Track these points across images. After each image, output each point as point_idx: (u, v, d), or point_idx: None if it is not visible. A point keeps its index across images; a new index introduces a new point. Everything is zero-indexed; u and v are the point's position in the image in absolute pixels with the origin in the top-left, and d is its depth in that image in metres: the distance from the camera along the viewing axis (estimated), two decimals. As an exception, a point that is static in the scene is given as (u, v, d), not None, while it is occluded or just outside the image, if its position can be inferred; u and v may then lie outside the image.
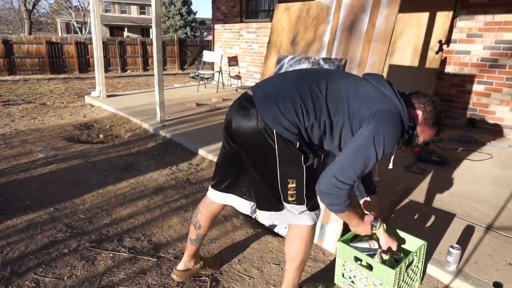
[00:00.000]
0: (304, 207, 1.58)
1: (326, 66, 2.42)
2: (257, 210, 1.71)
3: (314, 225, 1.66)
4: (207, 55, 8.44)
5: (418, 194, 2.95)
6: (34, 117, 5.76)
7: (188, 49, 16.20)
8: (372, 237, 2.01)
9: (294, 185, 1.52)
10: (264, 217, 1.67)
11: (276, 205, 1.60)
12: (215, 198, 1.84)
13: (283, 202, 1.58)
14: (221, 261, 2.17)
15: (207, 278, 2.03)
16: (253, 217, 2.66)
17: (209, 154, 3.91)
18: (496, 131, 4.76)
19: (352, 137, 1.44)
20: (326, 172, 1.40)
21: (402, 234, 2.03)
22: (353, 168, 1.37)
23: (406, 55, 5.15)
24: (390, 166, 1.58)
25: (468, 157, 3.84)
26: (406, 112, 1.44)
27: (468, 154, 3.94)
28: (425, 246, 1.94)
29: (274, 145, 1.45)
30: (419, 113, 1.51)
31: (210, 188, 1.86)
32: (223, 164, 1.78)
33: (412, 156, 3.83)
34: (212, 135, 4.49)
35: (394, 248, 1.81)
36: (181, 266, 1.99)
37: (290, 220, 1.63)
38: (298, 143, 1.46)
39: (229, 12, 8.80)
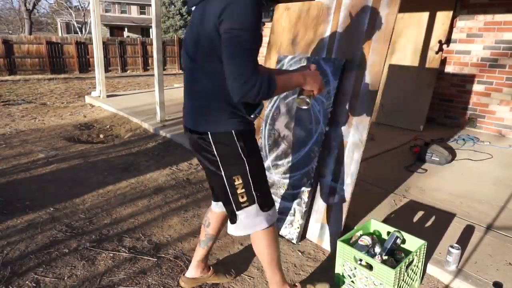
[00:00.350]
0: (256, 206, 1.54)
1: (326, 66, 2.42)
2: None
3: (272, 227, 1.63)
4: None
5: (418, 194, 2.95)
6: (34, 117, 5.77)
7: (188, 49, 16.17)
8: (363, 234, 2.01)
9: (240, 181, 1.50)
10: (228, 228, 1.65)
11: (231, 217, 1.61)
12: (214, 207, 1.86)
13: (236, 213, 1.56)
14: (235, 273, 2.06)
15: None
16: None
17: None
18: (496, 131, 4.76)
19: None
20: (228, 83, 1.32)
21: (402, 233, 2.03)
22: (242, 54, 1.29)
23: (406, 55, 5.15)
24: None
25: (468, 157, 3.84)
26: None
27: (468, 154, 3.94)
28: (425, 246, 1.94)
29: (211, 147, 1.48)
30: None
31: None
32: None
33: (412, 156, 3.83)
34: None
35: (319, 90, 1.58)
36: (189, 272, 1.96)
37: (247, 229, 1.60)
38: (233, 131, 1.45)
39: (229, 12, 8.79)
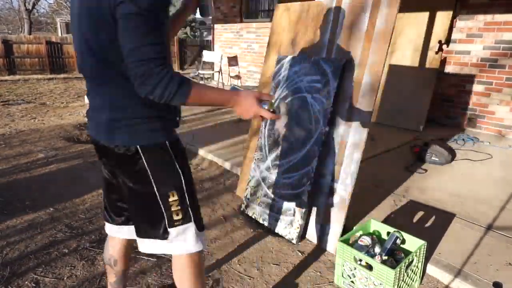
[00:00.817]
0: (192, 224, 1.34)
1: (326, 66, 2.42)
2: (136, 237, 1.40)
3: (201, 253, 1.42)
4: (207, 55, 8.44)
5: (418, 194, 2.95)
6: (34, 117, 5.76)
7: (188, 49, 16.20)
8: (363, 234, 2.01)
9: (175, 197, 1.31)
10: (145, 245, 1.38)
11: (160, 233, 1.33)
12: (114, 233, 1.53)
13: (168, 230, 1.33)
14: None
15: (209, 278, 2.03)
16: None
17: (209, 154, 3.91)
18: (496, 131, 4.76)
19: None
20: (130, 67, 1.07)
21: (402, 234, 2.03)
22: (143, 40, 1.05)
23: (406, 55, 5.15)
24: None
25: (468, 157, 3.84)
26: None
27: (468, 154, 3.94)
28: (425, 246, 1.95)
29: (140, 160, 1.24)
30: None
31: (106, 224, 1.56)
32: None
33: (412, 156, 3.83)
34: (212, 135, 4.50)
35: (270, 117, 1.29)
36: None
37: (180, 249, 1.36)
38: (166, 140, 1.26)
39: (229, 12, 8.80)
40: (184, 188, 1.32)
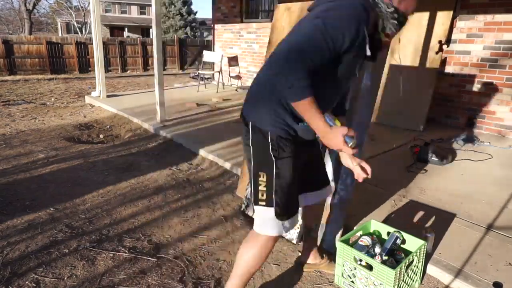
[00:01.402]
0: (272, 210, 1.51)
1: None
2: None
3: (275, 237, 1.57)
4: (207, 55, 8.44)
5: (418, 194, 2.95)
6: (34, 117, 5.77)
7: (188, 49, 16.20)
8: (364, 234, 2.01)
9: (264, 179, 1.49)
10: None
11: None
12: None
13: (254, 207, 1.56)
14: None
15: (210, 280, 2.03)
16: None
17: (209, 154, 3.91)
18: (496, 131, 4.76)
19: None
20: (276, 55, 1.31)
21: (402, 234, 2.03)
22: (307, 43, 1.25)
23: (406, 55, 5.15)
24: (368, 52, 1.38)
25: (468, 157, 3.84)
26: None
27: (468, 154, 3.94)
28: (425, 246, 1.95)
29: (249, 135, 1.49)
30: None
31: None
32: None
33: (412, 156, 3.83)
34: (212, 136, 4.50)
35: (367, 169, 1.53)
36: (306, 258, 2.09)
37: (257, 226, 1.57)
38: (269, 132, 1.44)
39: (229, 12, 8.80)
40: (274, 176, 1.47)
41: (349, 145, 1.35)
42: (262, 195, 1.50)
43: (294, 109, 1.37)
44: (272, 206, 1.50)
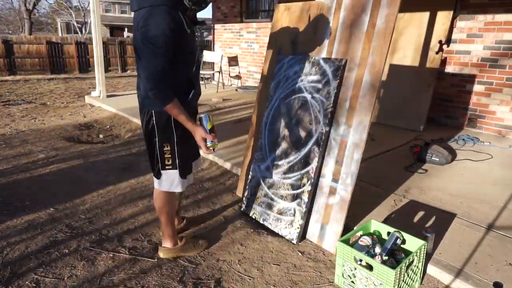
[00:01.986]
0: (176, 172, 1.98)
1: (326, 66, 2.42)
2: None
3: (176, 192, 2.12)
4: (207, 55, 8.44)
5: (418, 194, 2.95)
6: (34, 117, 5.77)
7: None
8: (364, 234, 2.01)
9: (168, 148, 1.93)
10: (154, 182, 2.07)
11: (155, 174, 2.02)
12: None
13: (161, 172, 1.98)
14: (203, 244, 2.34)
15: (210, 280, 2.03)
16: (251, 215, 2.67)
17: (209, 154, 3.91)
18: (496, 131, 4.76)
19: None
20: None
21: (402, 234, 2.03)
22: (150, 60, 1.66)
23: (406, 54, 5.15)
24: (188, 31, 1.76)
25: (468, 157, 3.84)
26: None
27: (468, 154, 3.94)
28: (425, 246, 1.94)
29: (151, 118, 1.89)
30: None
31: None
32: None
33: (412, 156, 3.83)
34: (212, 135, 4.48)
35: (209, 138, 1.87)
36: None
37: (166, 187, 2.02)
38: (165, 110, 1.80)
39: (229, 12, 8.80)
40: (175, 144, 1.93)
41: (208, 145, 1.84)
42: (168, 161, 1.95)
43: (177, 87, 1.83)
44: (177, 168, 1.97)
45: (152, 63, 1.65)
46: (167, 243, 2.21)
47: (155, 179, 2.04)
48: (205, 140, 1.82)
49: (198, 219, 2.65)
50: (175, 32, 1.66)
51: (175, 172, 1.98)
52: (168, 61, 1.68)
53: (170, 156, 1.94)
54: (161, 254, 2.20)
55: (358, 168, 2.22)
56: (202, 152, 1.98)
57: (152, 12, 1.63)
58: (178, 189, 2.04)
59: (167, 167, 1.96)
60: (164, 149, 1.93)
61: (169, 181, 2.00)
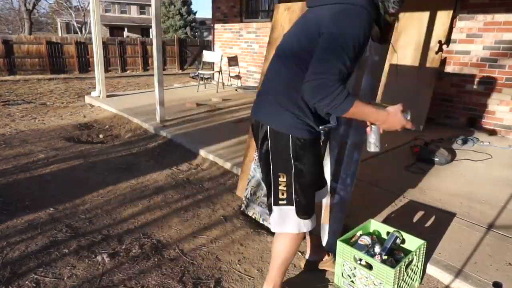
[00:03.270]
0: (293, 208, 1.59)
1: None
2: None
3: (300, 234, 1.66)
4: (207, 55, 8.44)
5: (418, 194, 2.95)
6: (34, 117, 5.77)
7: (188, 49, 16.20)
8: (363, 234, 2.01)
9: (284, 179, 1.56)
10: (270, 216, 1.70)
11: (269, 207, 1.68)
12: None
13: (273, 207, 1.63)
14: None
15: (210, 280, 2.03)
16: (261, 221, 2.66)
17: (209, 154, 3.91)
18: (496, 131, 4.76)
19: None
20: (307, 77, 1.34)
21: (402, 233, 2.03)
22: (332, 57, 1.31)
23: (406, 54, 5.15)
24: (367, 53, 1.52)
25: (468, 157, 3.84)
26: None
27: (468, 154, 3.94)
28: (425, 246, 1.95)
29: (267, 139, 1.54)
30: None
31: None
32: None
33: (412, 156, 3.83)
34: (212, 136, 4.49)
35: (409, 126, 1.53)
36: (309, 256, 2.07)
37: (277, 226, 1.65)
38: (290, 135, 1.49)
39: (229, 12, 8.80)
40: (293, 176, 1.54)
41: (408, 118, 1.43)
42: (283, 194, 1.58)
43: (315, 113, 1.47)
44: (293, 205, 1.59)
45: (334, 61, 1.29)
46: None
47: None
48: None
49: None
50: (366, 42, 1.38)
51: (290, 209, 1.60)
52: (346, 68, 1.32)
53: (285, 189, 1.58)
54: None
55: (358, 168, 2.22)
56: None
57: (347, 10, 1.34)
58: (292, 229, 1.62)
59: (280, 202, 1.60)
60: (279, 179, 1.58)
61: (282, 218, 1.63)
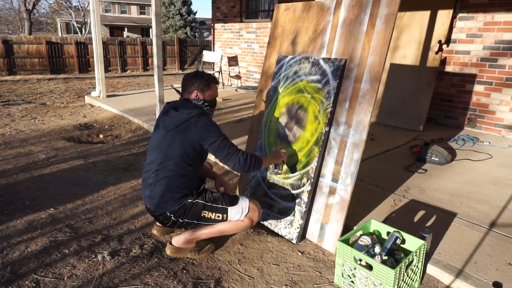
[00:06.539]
0: (230, 208, 2.17)
1: (326, 66, 2.42)
2: None
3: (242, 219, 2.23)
4: (207, 55, 8.44)
5: (418, 194, 2.95)
6: (34, 117, 5.77)
7: (188, 49, 16.20)
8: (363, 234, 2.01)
9: (208, 212, 2.15)
10: None
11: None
12: None
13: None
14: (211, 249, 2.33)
15: (210, 280, 2.03)
16: None
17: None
18: (496, 131, 4.76)
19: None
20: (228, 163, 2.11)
21: (402, 234, 2.03)
22: (223, 145, 2.07)
23: (406, 54, 5.15)
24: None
25: (468, 157, 3.84)
26: (197, 101, 2.18)
27: (468, 154, 3.94)
28: (425, 246, 1.95)
29: (182, 216, 2.16)
30: (196, 93, 2.17)
31: None
32: None
33: (412, 156, 3.83)
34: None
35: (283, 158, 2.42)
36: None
37: (238, 216, 2.23)
38: (184, 204, 2.12)
39: (229, 12, 8.80)
40: (206, 204, 2.15)
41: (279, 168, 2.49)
42: (219, 216, 2.15)
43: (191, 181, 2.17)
44: (227, 208, 2.16)
45: (231, 151, 2.07)
46: (181, 244, 2.23)
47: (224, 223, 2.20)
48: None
49: None
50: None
51: (232, 209, 2.16)
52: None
53: (216, 213, 2.14)
54: (168, 252, 2.22)
55: (358, 168, 2.22)
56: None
57: (200, 118, 2.08)
58: (242, 215, 2.18)
59: (225, 219, 2.17)
60: (207, 216, 2.14)
61: (236, 216, 2.17)
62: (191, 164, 2.10)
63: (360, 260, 1.86)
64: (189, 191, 2.13)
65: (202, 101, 2.16)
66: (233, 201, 2.19)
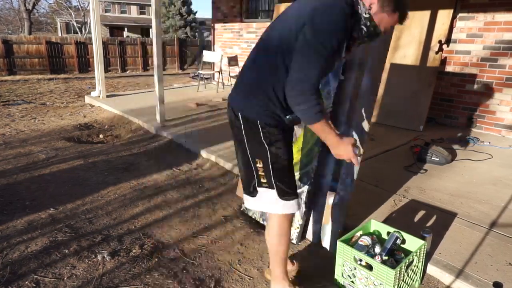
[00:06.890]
0: (274, 192, 1.63)
1: (326, 66, 2.41)
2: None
3: (287, 215, 1.70)
4: (207, 55, 8.44)
5: (418, 194, 2.95)
6: (34, 117, 5.77)
7: (188, 49, 16.20)
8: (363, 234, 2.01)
9: (261, 165, 1.61)
10: (246, 200, 1.75)
11: (251, 190, 1.70)
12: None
13: (257, 188, 1.66)
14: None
15: (210, 280, 2.03)
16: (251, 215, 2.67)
17: (209, 154, 3.91)
18: (496, 131, 4.76)
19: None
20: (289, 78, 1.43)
21: (402, 234, 2.03)
22: (309, 65, 1.38)
23: (406, 54, 5.15)
24: (343, 55, 1.49)
25: (468, 157, 3.84)
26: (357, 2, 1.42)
27: (468, 154, 3.94)
28: (425, 246, 1.95)
29: (241, 126, 1.60)
30: (374, 1, 1.41)
31: None
32: None
33: (412, 156, 3.83)
34: (212, 136, 4.49)
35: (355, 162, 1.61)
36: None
37: (264, 206, 1.69)
38: (258, 121, 1.55)
39: (229, 12, 8.80)
40: (269, 161, 1.59)
41: (356, 153, 1.55)
42: (263, 178, 1.63)
43: (284, 104, 1.52)
44: (274, 188, 1.63)
45: (312, 69, 1.37)
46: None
47: (248, 198, 1.72)
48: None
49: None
50: (346, 37, 1.41)
51: (272, 192, 1.64)
52: (324, 70, 1.42)
53: (263, 174, 1.62)
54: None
55: (358, 168, 2.22)
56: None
57: (328, 7, 1.38)
58: (278, 210, 1.66)
59: (263, 185, 1.64)
60: (257, 165, 1.62)
61: (267, 200, 1.66)
62: None
63: (360, 260, 1.86)
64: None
65: (368, 14, 1.42)
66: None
